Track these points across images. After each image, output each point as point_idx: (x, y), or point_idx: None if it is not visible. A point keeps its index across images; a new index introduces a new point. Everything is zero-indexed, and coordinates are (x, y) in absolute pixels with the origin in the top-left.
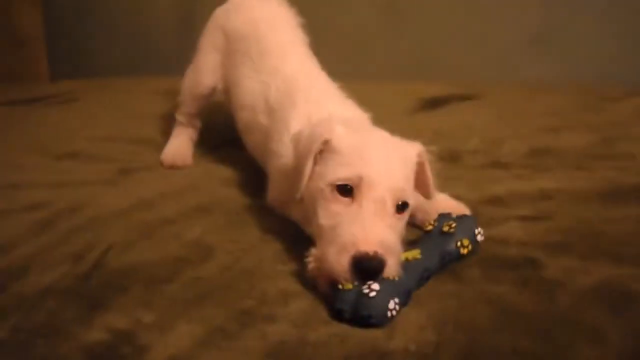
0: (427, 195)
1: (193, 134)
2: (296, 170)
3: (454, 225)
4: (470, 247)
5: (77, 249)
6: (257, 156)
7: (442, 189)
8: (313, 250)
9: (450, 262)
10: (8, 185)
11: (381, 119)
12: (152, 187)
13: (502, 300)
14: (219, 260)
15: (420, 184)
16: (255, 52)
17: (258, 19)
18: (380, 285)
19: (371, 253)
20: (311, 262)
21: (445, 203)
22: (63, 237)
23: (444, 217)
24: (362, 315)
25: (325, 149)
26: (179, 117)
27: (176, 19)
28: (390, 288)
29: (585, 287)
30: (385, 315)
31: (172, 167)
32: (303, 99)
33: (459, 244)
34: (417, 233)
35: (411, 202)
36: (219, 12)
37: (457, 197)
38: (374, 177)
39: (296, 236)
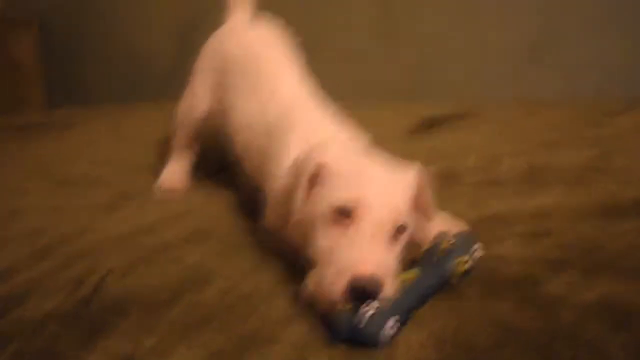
0: (427, 218)
1: (190, 159)
2: (291, 193)
3: (452, 242)
4: (469, 265)
5: (77, 274)
6: (255, 180)
7: (441, 207)
8: (310, 274)
9: (449, 280)
10: (8, 211)
11: (379, 140)
12: (150, 212)
13: (502, 317)
14: (219, 284)
15: (420, 207)
16: (251, 75)
17: (253, 41)
18: (377, 308)
19: (368, 275)
20: (308, 285)
21: (443, 222)
22: (63, 262)
23: (442, 236)
24: (360, 337)
25: (322, 173)
26: (176, 142)
27: (171, 44)
28: (388, 309)
29: (587, 303)
30: (384, 336)
31: (170, 192)
32: (301, 121)
33: (457, 262)
34: (415, 252)
35: (409, 225)
36: (214, 36)
37: (456, 216)
38: (372, 200)
39: (294, 260)
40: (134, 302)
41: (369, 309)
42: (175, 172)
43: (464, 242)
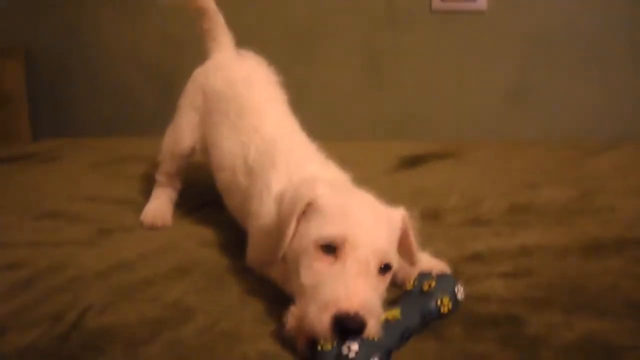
0: (410, 261)
1: (173, 194)
2: (279, 230)
3: (433, 284)
4: (450, 305)
5: (56, 309)
6: (237, 217)
7: (423, 246)
8: (292, 308)
9: (430, 321)
10: None
11: (361, 178)
12: (131, 247)
13: (484, 358)
14: (199, 321)
15: (404, 249)
16: (233, 112)
17: (236, 78)
18: (360, 346)
19: (352, 312)
20: (290, 319)
21: (425, 262)
22: (42, 297)
23: (424, 276)
24: None
25: (309, 209)
26: (159, 177)
27: (157, 79)
28: (370, 348)
29: (568, 342)
30: None
31: (152, 228)
32: (283, 159)
33: (439, 302)
34: (397, 292)
35: (394, 264)
36: (198, 72)
37: (438, 255)
38: (358, 238)
39: (276, 297)
40: (112, 339)
41: (352, 346)
42: (158, 208)
43: (445, 283)
